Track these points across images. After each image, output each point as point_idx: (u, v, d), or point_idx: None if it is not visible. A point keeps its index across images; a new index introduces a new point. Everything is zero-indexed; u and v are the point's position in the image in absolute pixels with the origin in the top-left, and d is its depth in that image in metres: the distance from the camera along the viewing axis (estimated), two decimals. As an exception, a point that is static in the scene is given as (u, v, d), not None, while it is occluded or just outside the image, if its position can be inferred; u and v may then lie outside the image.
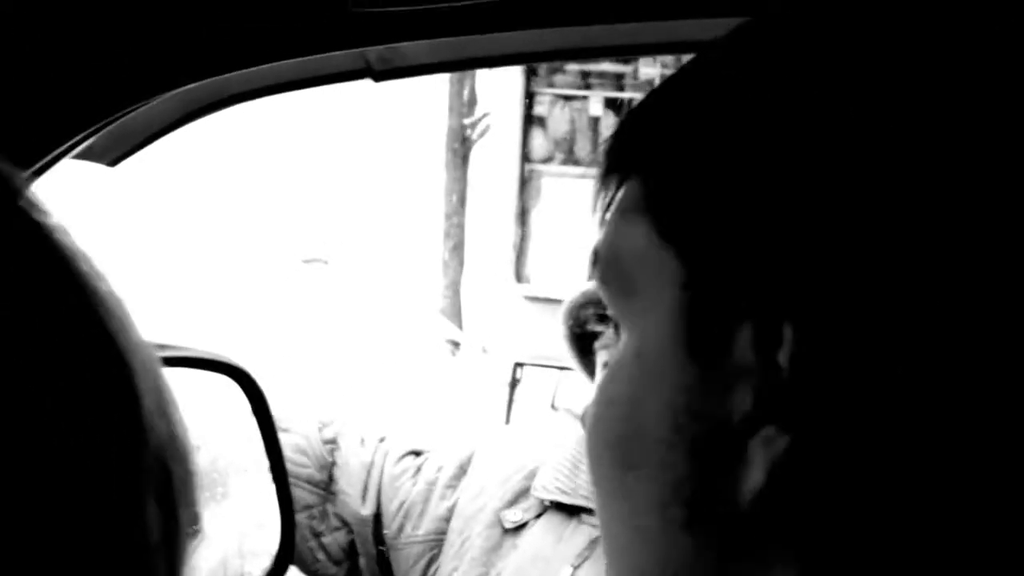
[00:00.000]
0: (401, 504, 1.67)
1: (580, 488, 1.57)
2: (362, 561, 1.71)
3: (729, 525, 0.48)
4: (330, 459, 1.70)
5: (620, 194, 0.54)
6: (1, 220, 0.40)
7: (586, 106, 7.59)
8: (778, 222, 0.46)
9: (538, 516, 1.60)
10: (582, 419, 0.58)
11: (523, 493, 1.63)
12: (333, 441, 1.70)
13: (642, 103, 0.55)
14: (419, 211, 8.98)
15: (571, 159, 7.49)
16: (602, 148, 0.56)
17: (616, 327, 0.55)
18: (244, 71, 0.83)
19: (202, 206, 8.47)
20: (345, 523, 1.70)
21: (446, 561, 1.65)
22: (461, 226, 8.68)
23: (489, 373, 7.24)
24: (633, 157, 0.53)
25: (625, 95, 7.69)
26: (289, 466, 1.38)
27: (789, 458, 0.46)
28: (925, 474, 0.45)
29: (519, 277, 7.57)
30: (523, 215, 7.65)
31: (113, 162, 1.04)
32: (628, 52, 0.90)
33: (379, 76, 0.88)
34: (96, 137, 0.87)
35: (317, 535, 1.70)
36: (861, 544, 0.46)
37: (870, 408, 0.45)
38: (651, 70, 7.47)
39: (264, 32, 0.78)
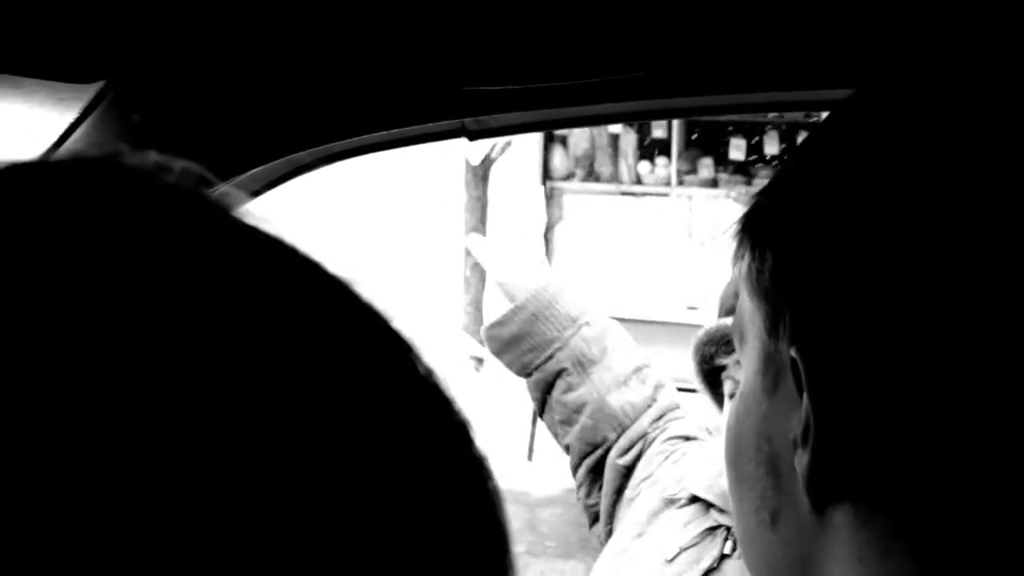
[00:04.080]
0: (649, 475, 1.83)
1: (715, 487, 1.72)
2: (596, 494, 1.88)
3: (802, 528, 0.59)
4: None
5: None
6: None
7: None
8: (811, 281, 0.57)
9: (691, 500, 1.76)
10: None
11: None
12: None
13: (770, 186, 0.64)
14: (440, 229, 9.07)
15: (592, 176, 7.60)
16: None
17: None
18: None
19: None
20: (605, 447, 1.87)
21: (621, 509, 1.83)
22: (482, 243, 8.78)
23: (513, 388, 7.32)
24: (750, 232, 0.64)
25: (643, 113, 7.75)
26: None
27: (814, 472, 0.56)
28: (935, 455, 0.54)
29: (541, 293, 7.65)
30: (545, 232, 7.76)
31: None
32: (705, 113, 1.01)
33: (472, 136, 1.01)
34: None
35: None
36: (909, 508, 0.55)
37: (883, 417, 0.54)
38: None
39: (388, 104, 0.91)
